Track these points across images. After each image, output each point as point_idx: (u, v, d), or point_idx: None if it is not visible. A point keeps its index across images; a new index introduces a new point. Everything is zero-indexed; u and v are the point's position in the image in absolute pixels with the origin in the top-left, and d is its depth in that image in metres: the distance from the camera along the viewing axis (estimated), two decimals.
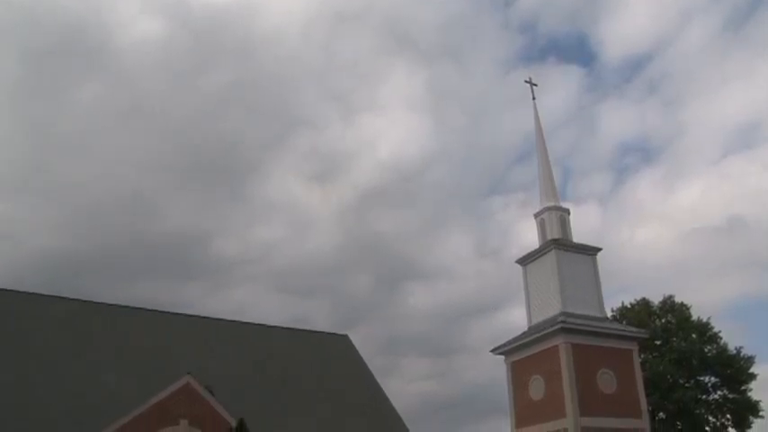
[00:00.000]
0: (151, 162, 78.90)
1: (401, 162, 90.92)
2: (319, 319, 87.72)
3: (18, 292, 29.73)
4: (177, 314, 33.17)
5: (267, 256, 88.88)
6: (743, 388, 41.98)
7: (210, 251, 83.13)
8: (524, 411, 26.90)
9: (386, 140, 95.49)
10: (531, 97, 33.73)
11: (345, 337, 37.17)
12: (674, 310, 43.97)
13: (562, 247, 28.25)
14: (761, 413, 41.96)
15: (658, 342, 42.57)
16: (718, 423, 42.38)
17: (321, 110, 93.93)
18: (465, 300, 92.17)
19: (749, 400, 41.78)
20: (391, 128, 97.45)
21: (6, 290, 29.38)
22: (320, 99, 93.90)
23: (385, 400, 31.58)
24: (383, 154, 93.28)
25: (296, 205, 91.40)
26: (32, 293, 30.05)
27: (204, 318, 33.96)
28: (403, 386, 79.50)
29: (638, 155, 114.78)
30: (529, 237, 75.57)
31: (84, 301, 31.00)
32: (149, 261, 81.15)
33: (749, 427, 42.18)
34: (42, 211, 72.77)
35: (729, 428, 42.40)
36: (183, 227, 79.92)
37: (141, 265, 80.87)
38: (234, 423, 21.81)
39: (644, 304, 44.86)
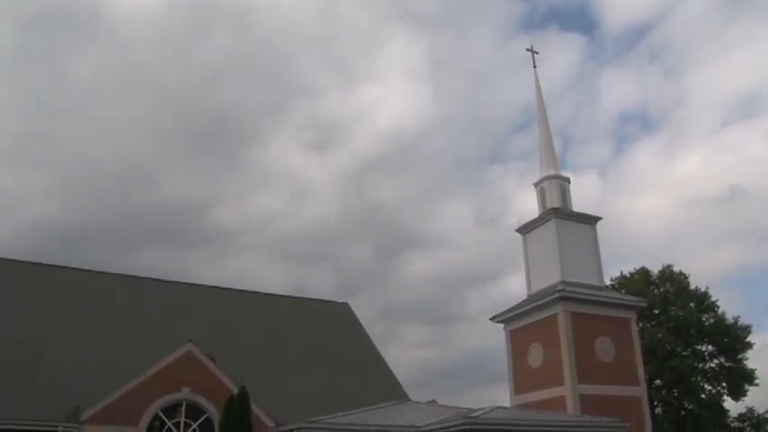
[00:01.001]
0: (150, 131, 78.64)
1: (400, 131, 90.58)
2: (319, 287, 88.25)
3: (19, 261, 29.85)
4: (178, 283, 33.35)
5: (267, 224, 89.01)
6: (739, 357, 42.42)
7: (210, 220, 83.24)
8: (523, 379, 27.15)
9: (385, 109, 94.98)
10: (533, 65, 33.48)
11: (345, 304, 37.36)
12: (672, 280, 44.21)
13: (562, 215, 28.24)
14: (756, 381, 42.47)
15: (657, 311, 42.90)
16: (713, 391, 42.92)
17: (320, 78, 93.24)
18: (464, 268, 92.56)
19: (744, 368, 42.26)
20: (390, 96, 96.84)
21: (7, 259, 29.49)
22: (319, 68, 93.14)
23: (384, 366, 31.87)
24: (382, 123, 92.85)
25: (295, 174, 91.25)
26: (34, 263, 30.20)
27: (205, 286, 34.10)
28: (402, 353, 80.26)
29: (639, 124, 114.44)
30: (528, 206, 75.55)
31: (85, 271, 31.16)
32: (149, 230, 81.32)
33: (744, 394, 42.73)
34: (40, 181, 72.70)
35: (725, 396, 42.95)
36: (182, 196, 79.90)
37: (141, 235, 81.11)
38: (235, 390, 21.99)
39: (643, 273, 45.10)
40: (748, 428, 45.79)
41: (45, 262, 30.66)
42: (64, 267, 30.86)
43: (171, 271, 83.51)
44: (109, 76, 74.98)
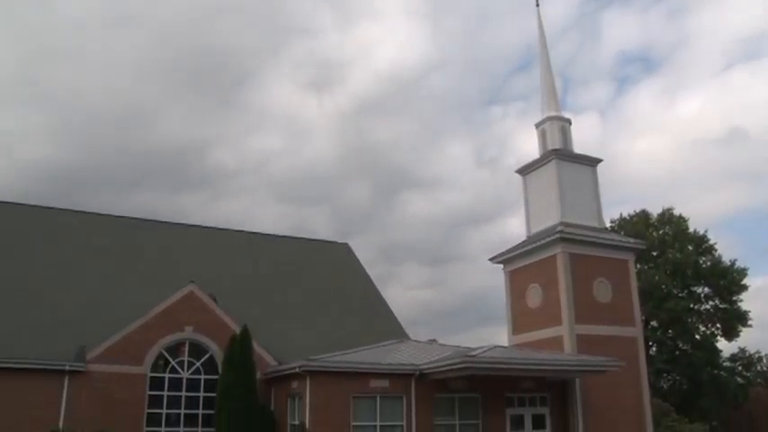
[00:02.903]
0: (145, 71, 77.46)
1: (399, 71, 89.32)
2: (318, 228, 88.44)
3: (17, 204, 29.75)
4: (177, 224, 33.27)
5: (265, 165, 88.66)
6: (734, 298, 42.96)
7: (208, 161, 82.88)
8: (521, 319, 27.46)
9: (383, 49, 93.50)
10: (535, 4, 32.63)
11: (346, 245, 37.43)
12: (671, 222, 44.38)
13: (563, 157, 28.02)
14: (749, 323, 43.15)
15: (655, 253, 43.22)
16: (707, 332, 43.63)
17: (317, 17, 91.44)
18: (463, 209, 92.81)
19: (739, 310, 42.89)
20: (389, 35, 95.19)
21: (6, 202, 29.39)
22: (316, 5, 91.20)
23: (385, 306, 32.16)
24: (381, 63, 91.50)
25: (292, 114, 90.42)
26: (33, 206, 30.09)
27: (204, 227, 34.08)
28: (402, 293, 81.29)
29: (640, 65, 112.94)
30: (527, 147, 75.22)
31: (84, 213, 31.06)
32: (146, 172, 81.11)
33: (737, 336, 43.50)
34: (36, 122, 71.97)
35: (718, 337, 43.70)
36: (179, 137, 79.34)
37: (139, 176, 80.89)
38: (237, 329, 22.29)
39: (643, 216, 45.24)
40: (740, 368, 46.72)
41: (43, 204, 30.55)
42: (62, 210, 30.76)
43: (169, 212, 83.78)
44: (101, 14, 73.37)
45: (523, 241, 28.32)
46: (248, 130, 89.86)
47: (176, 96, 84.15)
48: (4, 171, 64.30)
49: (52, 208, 30.64)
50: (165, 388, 22.25)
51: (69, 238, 28.34)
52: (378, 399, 20.65)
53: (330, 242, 37.84)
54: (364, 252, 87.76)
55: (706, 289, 43.59)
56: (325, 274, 33.03)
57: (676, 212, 44.97)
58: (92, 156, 74.44)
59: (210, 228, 34.31)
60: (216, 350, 22.88)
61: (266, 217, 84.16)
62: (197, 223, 34.71)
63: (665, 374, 42.80)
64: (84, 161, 74.46)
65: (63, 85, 73.24)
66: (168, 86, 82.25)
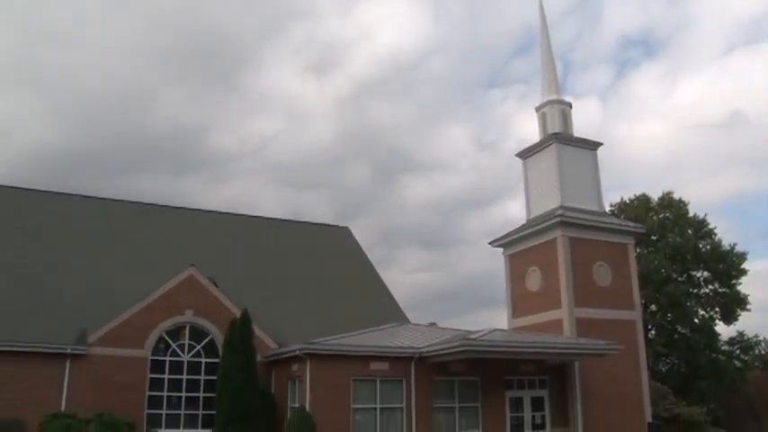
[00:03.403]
0: (142, 52, 77.04)
1: (399, 54, 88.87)
2: (318, 211, 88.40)
3: (16, 188, 29.69)
4: (176, 207, 33.21)
5: (264, 149, 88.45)
6: (733, 283, 42.99)
7: (207, 144, 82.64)
8: (521, 302, 27.54)
9: (383, 32, 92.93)
10: None
11: (346, 228, 37.43)
12: (672, 207, 44.31)
13: (563, 140, 27.97)
14: (748, 306, 43.22)
15: (655, 237, 43.20)
16: (706, 316, 43.69)
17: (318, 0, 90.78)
18: (462, 192, 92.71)
19: (738, 294, 42.90)
20: (389, 18, 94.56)
21: (5, 186, 29.34)
22: None
23: (385, 289, 32.21)
24: (381, 45, 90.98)
25: (292, 97, 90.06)
26: (33, 190, 30.06)
27: (204, 211, 34.06)
28: (401, 277, 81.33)
29: (641, 48, 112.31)
30: (527, 130, 75.00)
31: (83, 197, 31.02)
32: (146, 155, 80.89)
33: (736, 319, 43.56)
34: (34, 106, 71.73)
35: (717, 321, 43.79)
36: (178, 120, 79.00)
37: (138, 160, 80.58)
38: (237, 313, 22.35)
39: (643, 200, 45.17)
40: (738, 352, 46.90)
41: (42, 188, 30.51)
42: (61, 194, 30.73)
43: (170, 197, 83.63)
44: None
45: (523, 225, 28.34)
46: (247, 114, 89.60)
47: (176, 80, 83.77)
48: (3, 156, 64.15)
49: (52, 192, 30.60)
50: (166, 371, 22.38)
51: (70, 222, 28.33)
52: (378, 381, 20.79)
53: (331, 226, 37.83)
54: (364, 236, 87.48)
55: (705, 273, 43.61)
56: (326, 258, 33.04)
57: (676, 197, 44.96)
58: (92, 140, 74.19)
59: (211, 212, 34.28)
60: (216, 333, 22.96)
61: (266, 201, 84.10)
62: (197, 207, 34.66)
63: (663, 358, 42.95)
64: (84, 146, 74.27)
65: (61, 70, 72.92)
66: (167, 70, 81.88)
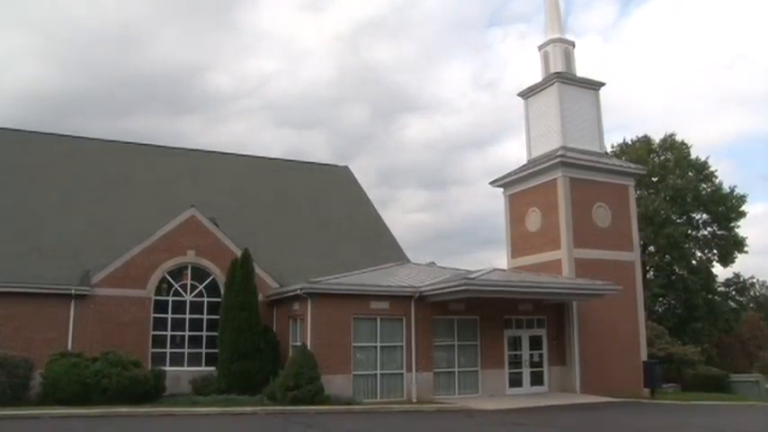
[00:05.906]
0: None
1: None
2: (317, 151, 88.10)
3: (14, 130, 29.43)
4: (174, 148, 32.91)
5: (261, 88, 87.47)
6: (731, 225, 43.23)
7: (204, 84, 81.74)
8: (520, 243, 27.64)
9: None
10: None
11: (346, 168, 37.21)
12: (673, 149, 44.13)
13: (565, 80, 27.53)
14: (745, 249, 43.61)
15: (655, 179, 43.21)
16: (704, 257, 44.11)
17: None
18: (462, 132, 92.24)
19: (736, 236, 43.23)
20: None
21: (5, 128, 29.07)
22: None
23: (385, 229, 32.25)
24: None
25: (289, 36, 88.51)
26: (30, 131, 29.81)
27: (203, 151, 33.80)
28: (401, 217, 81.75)
29: None
30: (527, 69, 73.91)
31: (81, 138, 30.77)
32: (142, 96, 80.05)
33: (733, 261, 44.06)
34: (27, 45, 70.49)
35: (714, 262, 44.25)
36: (173, 59, 77.88)
37: (134, 101, 79.89)
38: (239, 253, 22.46)
39: (645, 141, 44.95)
40: (734, 293, 47.57)
41: (39, 131, 30.23)
42: (60, 135, 30.49)
43: (168, 137, 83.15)
44: None
45: (524, 165, 28.20)
46: (244, 53, 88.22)
47: (171, 17, 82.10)
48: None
49: (50, 134, 30.35)
50: (169, 311, 22.67)
51: (68, 164, 28.18)
52: (378, 320, 21.06)
53: (331, 165, 37.63)
54: (363, 175, 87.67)
55: (704, 215, 43.82)
56: (326, 198, 32.98)
57: (678, 138, 44.71)
58: (84, 80, 73.34)
59: (208, 151, 34.02)
60: (218, 273, 23.13)
61: (264, 140, 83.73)
62: (196, 147, 34.36)
63: (660, 299, 43.55)
64: (77, 86, 73.38)
65: (51, 8, 71.33)
66: (161, 7, 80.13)
